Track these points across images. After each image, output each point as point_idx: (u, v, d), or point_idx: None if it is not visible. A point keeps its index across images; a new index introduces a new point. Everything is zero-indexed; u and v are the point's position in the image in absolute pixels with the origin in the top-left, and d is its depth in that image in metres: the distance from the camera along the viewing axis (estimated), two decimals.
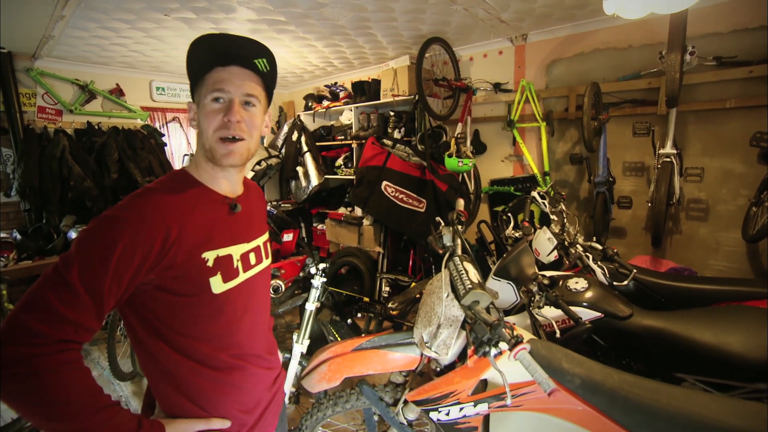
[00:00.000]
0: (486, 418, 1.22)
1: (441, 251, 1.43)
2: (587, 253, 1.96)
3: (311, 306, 1.86)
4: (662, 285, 1.80)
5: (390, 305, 2.30)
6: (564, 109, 3.17)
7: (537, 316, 1.48)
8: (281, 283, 2.25)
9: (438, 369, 1.31)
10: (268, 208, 3.28)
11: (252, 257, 0.92)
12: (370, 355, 1.36)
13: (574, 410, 1.07)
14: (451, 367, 1.28)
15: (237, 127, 0.82)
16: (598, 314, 1.55)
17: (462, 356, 1.25)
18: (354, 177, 3.77)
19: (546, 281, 1.61)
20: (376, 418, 1.47)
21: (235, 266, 0.86)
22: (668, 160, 2.48)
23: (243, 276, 0.88)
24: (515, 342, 0.99)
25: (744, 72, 2.36)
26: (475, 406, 1.17)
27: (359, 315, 2.52)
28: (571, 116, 3.11)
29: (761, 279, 2.39)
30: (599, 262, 1.90)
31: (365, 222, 3.76)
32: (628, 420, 1.00)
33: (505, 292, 1.72)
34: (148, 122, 4.28)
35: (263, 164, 4.07)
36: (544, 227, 2.15)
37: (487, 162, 3.65)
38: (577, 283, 1.67)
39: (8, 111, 3.41)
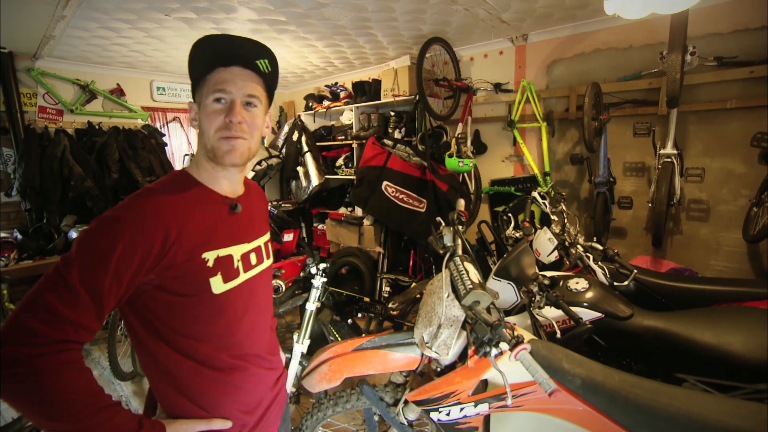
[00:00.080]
0: (486, 419, 1.22)
1: (441, 251, 1.43)
2: (588, 254, 1.96)
3: (312, 306, 1.86)
4: (663, 285, 1.80)
5: (390, 305, 2.30)
6: (564, 109, 3.17)
7: (537, 317, 1.48)
8: (282, 283, 2.25)
9: (438, 369, 1.31)
10: (269, 208, 3.28)
11: (253, 257, 0.92)
12: (371, 355, 1.36)
13: (575, 410, 1.07)
14: (451, 367, 1.28)
15: (238, 127, 0.82)
16: (599, 314, 1.55)
17: (462, 356, 1.25)
18: (354, 177, 3.77)
19: (546, 281, 1.61)
20: (376, 418, 1.47)
21: (235, 266, 0.86)
22: (669, 160, 2.48)
23: (243, 276, 0.88)
24: (516, 342, 0.99)
25: (745, 72, 2.36)
26: (475, 406, 1.17)
27: (360, 315, 2.52)
28: (571, 116, 3.11)
29: (762, 279, 2.39)
30: (600, 263, 1.90)
31: (366, 222, 3.76)
32: (628, 420, 1.00)
33: (506, 292, 1.72)
34: (148, 122, 4.28)
35: (264, 164, 4.07)
36: (545, 227, 2.15)
37: (488, 162, 3.65)
38: (578, 284, 1.67)
39: (9, 111, 3.41)
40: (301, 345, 1.80)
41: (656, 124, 2.67)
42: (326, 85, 4.41)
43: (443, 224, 1.52)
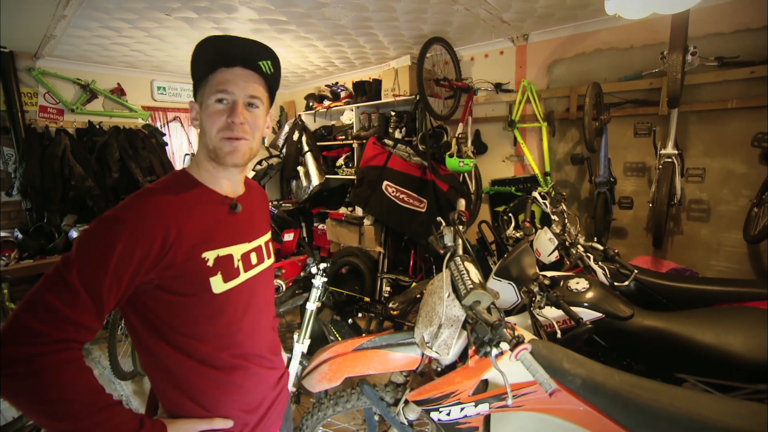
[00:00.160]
0: (487, 419, 1.22)
1: (442, 251, 1.43)
2: (588, 254, 1.96)
3: (312, 306, 1.86)
4: (663, 285, 1.80)
5: (391, 305, 2.30)
6: (565, 109, 3.17)
7: (538, 317, 1.47)
8: (282, 282, 2.25)
9: (439, 369, 1.31)
10: (270, 207, 3.28)
11: (253, 257, 0.92)
12: (371, 355, 1.36)
13: (575, 410, 1.07)
14: (452, 367, 1.28)
15: (240, 128, 0.83)
16: (599, 315, 1.55)
17: (463, 356, 1.25)
18: (355, 177, 3.76)
19: (547, 281, 1.61)
20: (376, 418, 1.47)
21: (235, 266, 0.86)
22: (669, 160, 2.48)
23: (244, 276, 0.88)
24: (516, 342, 0.99)
25: (746, 72, 2.35)
26: (476, 406, 1.17)
27: (360, 315, 2.52)
28: (572, 116, 3.11)
29: (762, 280, 2.39)
30: (600, 263, 1.90)
31: (366, 222, 3.76)
32: (629, 420, 1.00)
33: (506, 292, 1.72)
34: (149, 122, 4.29)
35: (264, 164, 4.07)
36: (545, 227, 2.15)
37: (488, 162, 3.65)
38: (578, 284, 1.67)
39: (10, 110, 3.41)
40: (301, 345, 1.80)
41: (657, 124, 2.67)
42: (327, 85, 4.41)
43: (444, 224, 1.52)
